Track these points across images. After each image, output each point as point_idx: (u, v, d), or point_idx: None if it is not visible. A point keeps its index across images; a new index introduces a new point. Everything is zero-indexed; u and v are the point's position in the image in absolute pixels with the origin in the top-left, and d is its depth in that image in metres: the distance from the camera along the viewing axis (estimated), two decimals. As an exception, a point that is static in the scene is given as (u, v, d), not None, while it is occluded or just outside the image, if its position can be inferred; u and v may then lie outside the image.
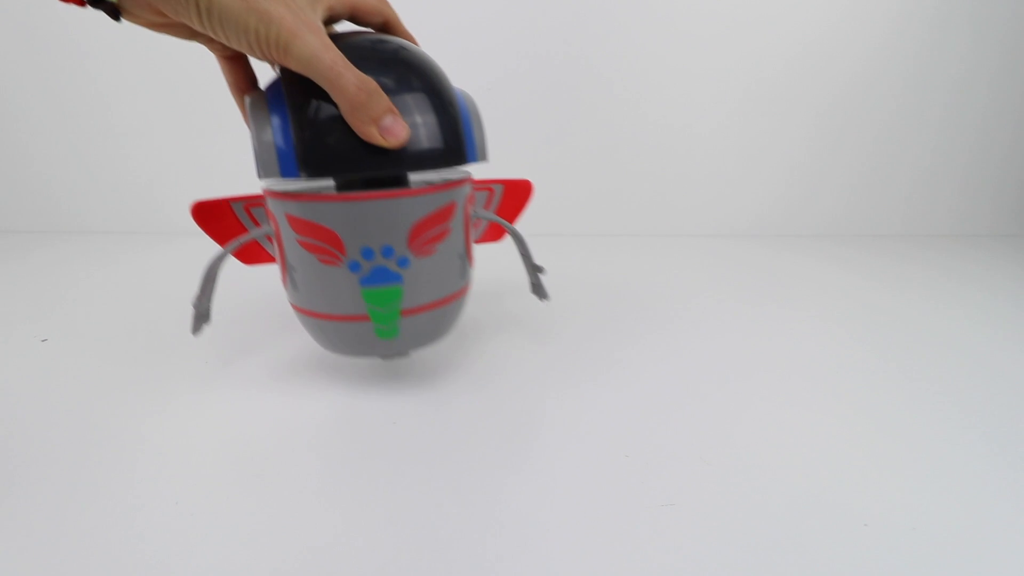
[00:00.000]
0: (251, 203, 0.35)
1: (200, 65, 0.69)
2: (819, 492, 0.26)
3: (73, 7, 0.67)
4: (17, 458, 0.28)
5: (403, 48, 0.29)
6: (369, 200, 0.28)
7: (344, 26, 0.31)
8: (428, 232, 0.30)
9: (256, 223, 0.35)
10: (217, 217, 0.34)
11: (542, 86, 0.70)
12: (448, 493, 0.25)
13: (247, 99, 0.28)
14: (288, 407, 0.33)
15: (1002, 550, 0.23)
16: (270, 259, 0.37)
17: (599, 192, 0.74)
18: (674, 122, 0.72)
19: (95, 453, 0.28)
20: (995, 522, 0.24)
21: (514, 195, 0.42)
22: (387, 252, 0.29)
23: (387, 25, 0.30)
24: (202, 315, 0.32)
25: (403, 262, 0.30)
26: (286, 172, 0.27)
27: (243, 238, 0.31)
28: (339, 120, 0.26)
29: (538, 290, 0.39)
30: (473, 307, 0.49)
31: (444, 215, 0.31)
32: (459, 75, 0.69)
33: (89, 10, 0.67)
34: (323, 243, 0.29)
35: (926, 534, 0.23)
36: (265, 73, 0.37)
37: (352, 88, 0.25)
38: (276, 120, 0.27)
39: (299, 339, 0.41)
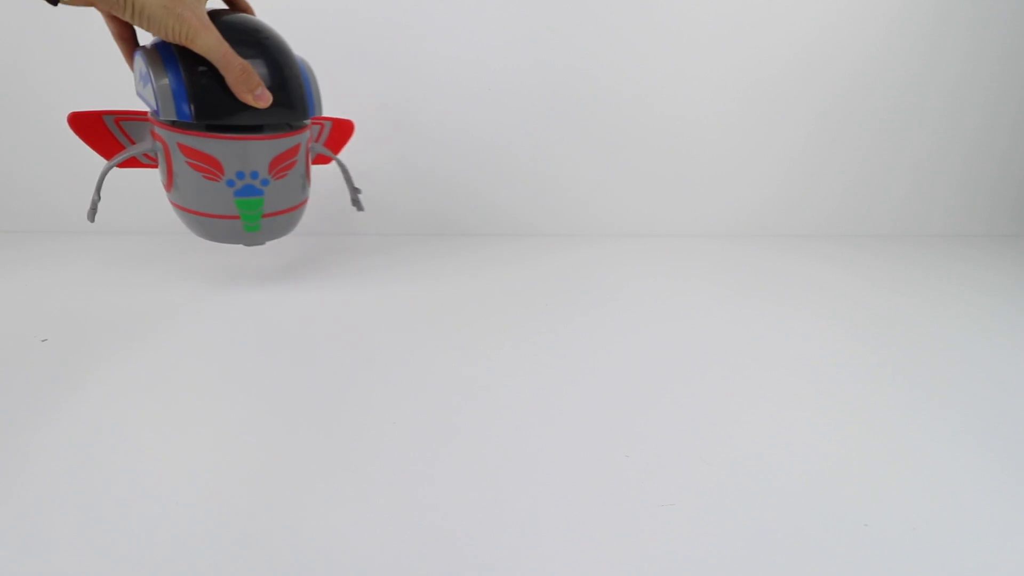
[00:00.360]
0: (121, 117, 0.45)
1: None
2: (819, 492, 0.26)
3: None
4: (17, 458, 0.28)
5: (265, 35, 0.42)
6: (245, 140, 0.42)
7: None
8: (282, 163, 0.44)
9: (124, 133, 0.46)
10: (91, 128, 0.45)
11: (541, 87, 0.70)
12: (448, 493, 0.25)
13: (143, 51, 0.39)
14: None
15: (1001, 550, 0.23)
16: (142, 166, 0.48)
17: (596, 192, 0.74)
18: (670, 122, 0.72)
19: (96, 452, 0.28)
20: (994, 522, 0.24)
21: (339, 130, 0.57)
22: (254, 176, 0.43)
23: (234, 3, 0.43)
24: (94, 207, 0.45)
25: (265, 182, 0.44)
26: (181, 116, 0.39)
27: (124, 154, 0.44)
28: (221, 84, 0.38)
29: (356, 204, 0.55)
30: (476, 310, 0.49)
31: (293, 152, 0.45)
32: (460, 75, 0.69)
33: None
34: (207, 165, 0.42)
35: (926, 534, 0.23)
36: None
37: (237, 70, 0.37)
38: (172, 76, 0.38)
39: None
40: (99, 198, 0.44)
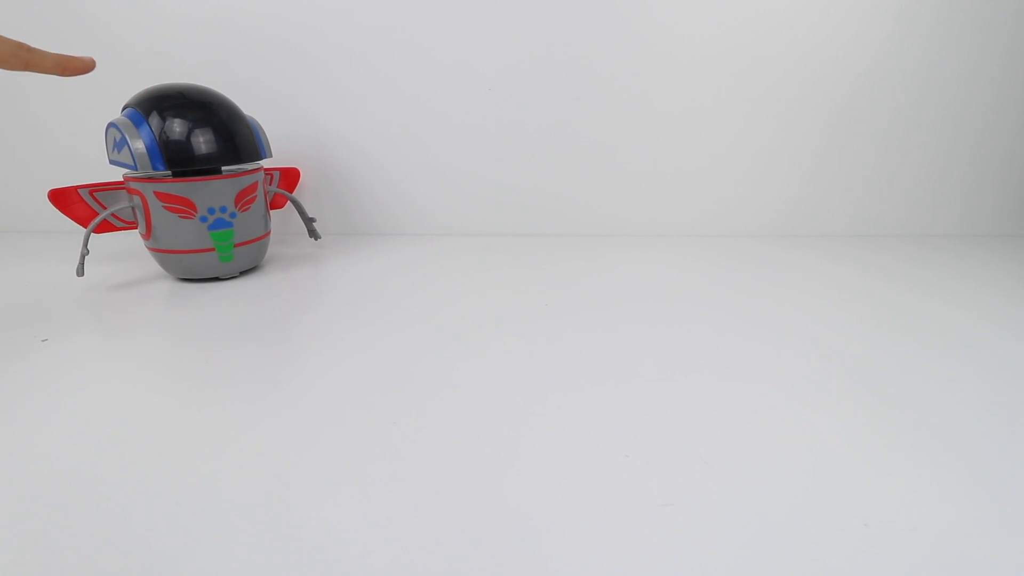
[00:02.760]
0: (95, 189, 0.53)
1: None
2: (819, 492, 0.26)
3: None
4: (17, 457, 0.28)
5: (218, 99, 0.52)
6: (213, 180, 0.51)
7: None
8: (245, 197, 0.54)
9: (97, 202, 0.54)
10: (69, 201, 0.52)
11: (546, 89, 0.70)
12: (446, 493, 0.25)
13: (115, 123, 0.49)
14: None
15: (1002, 550, 0.23)
16: (115, 229, 0.55)
17: (607, 194, 0.74)
18: (683, 128, 0.72)
19: (97, 452, 0.28)
20: (995, 521, 0.24)
21: (288, 177, 0.69)
22: (223, 210, 0.52)
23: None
24: (83, 261, 0.51)
25: (233, 215, 0.53)
26: (156, 167, 0.48)
27: (100, 217, 0.51)
28: (187, 138, 0.49)
29: (313, 234, 0.66)
30: (475, 310, 0.49)
31: (253, 188, 0.55)
32: (460, 75, 0.69)
33: None
34: (182, 206, 0.50)
35: (926, 534, 0.23)
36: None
37: (50, 63, 0.39)
38: (145, 137, 0.48)
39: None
40: (87, 252, 0.52)
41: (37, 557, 0.22)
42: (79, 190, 0.53)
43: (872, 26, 0.68)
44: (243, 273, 0.57)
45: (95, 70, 0.66)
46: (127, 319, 0.46)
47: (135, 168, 0.48)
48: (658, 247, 0.69)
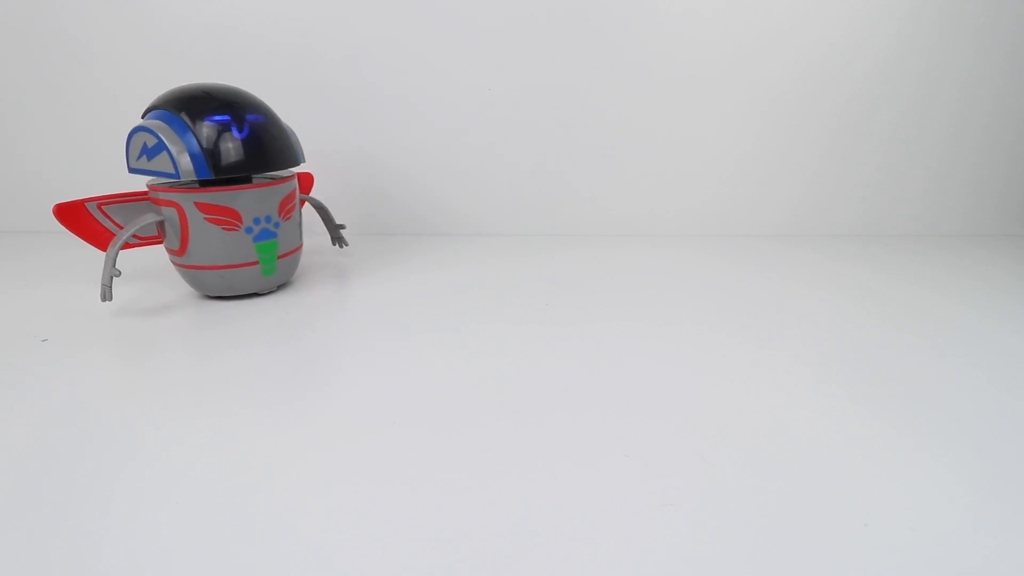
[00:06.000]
0: (104, 202, 0.48)
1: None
2: (819, 492, 0.26)
3: None
4: (17, 458, 0.28)
5: (259, 101, 0.49)
6: (260, 188, 0.47)
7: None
8: (287, 205, 0.50)
9: (108, 217, 0.48)
10: (75, 216, 0.47)
11: (551, 88, 0.70)
12: (445, 493, 0.26)
13: (148, 126, 0.44)
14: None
15: (1002, 550, 0.22)
16: (128, 246, 0.47)
17: (597, 193, 0.74)
18: (692, 129, 0.72)
19: (95, 453, 0.28)
20: (996, 521, 0.24)
21: (303, 182, 0.63)
22: (268, 219, 0.48)
23: None
24: (110, 285, 0.45)
25: (277, 225, 0.49)
26: (201, 175, 0.44)
27: (125, 235, 0.45)
28: (231, 142, 0.45)
29: (340, 241, 0.63)
30: (475, 310, 0.49)
31: (293, 195, 0.51)
32: (462, 76, 0.70)
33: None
34: (227, 217, 0.46)
35: (926, 534, 0.23)
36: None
37: None
38: (187, 142, 0.44)
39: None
40: (119, 272, 0.45)
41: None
42: (86, 204, 0.47)
43: (877, 30, 0.68)
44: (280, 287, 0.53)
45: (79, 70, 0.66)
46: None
47: (176, 176, 0.44)
48: (663, 246, 0.69)
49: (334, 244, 0.64)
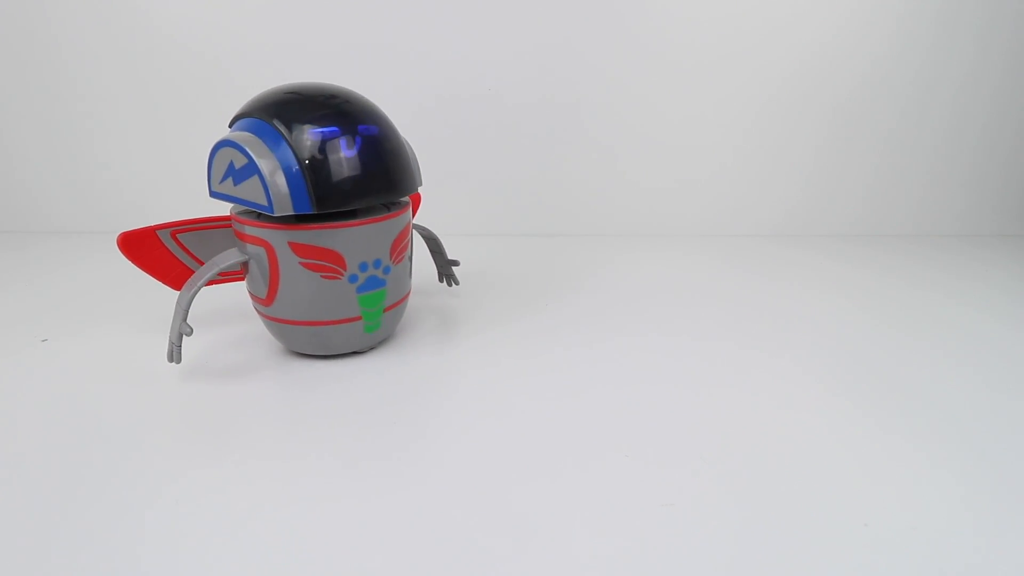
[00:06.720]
0: (178, 230, 0.38)
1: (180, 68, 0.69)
2: (819, 492, 0.26)
3: None
4: (17, 458, 0.28)
5: (379, 110, 0.37)
6: (371, 224, 0.35)
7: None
8: (400, 243, 0.38)
9: (182, 247, 0.39)
10: (144, 246, 0.38)
11: (550, 88, 0.70)
12: (444, 493, 0.26)
13: (235, 139, 0.33)
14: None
15: (1003, 550, 0.22)
16: (209, 283, 0.37)
17: (597, 193, 0.74)
18: (688, 130, 0.72)
19: (97, 452, 0.28)
20: (996, 521, 0.24)
21: (414, 203, 0.49)
22: (376, 264, 0.37)
23: None
24: (179, 343, 0.34)
25: (387, 270, 0.37)
26: (300, 209, 0.32)
27: (207, 275, 0.34)
28: (340, 165, 0.33)
29: (451, 279, 0.51)
30: (475, 310, 0.49)
31: (407, 229, 0.39)
32: (462, 76, 0.70)
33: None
34: (327, 262, 0.35)
35: (926, 534, 0.23)
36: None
37: None
38: (284, 163, 0.32)
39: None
40: (190, 330, 0.34)
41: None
42: (157, 232, 0.38)
43: (875, 29, 0.68)
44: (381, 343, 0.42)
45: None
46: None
47: (269, 209, 0.32)
48: (662, 247, 0.69)
49: (441, 281, 0.51)
